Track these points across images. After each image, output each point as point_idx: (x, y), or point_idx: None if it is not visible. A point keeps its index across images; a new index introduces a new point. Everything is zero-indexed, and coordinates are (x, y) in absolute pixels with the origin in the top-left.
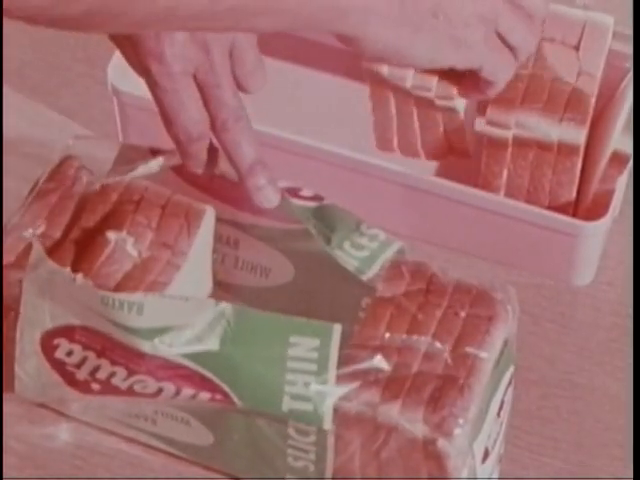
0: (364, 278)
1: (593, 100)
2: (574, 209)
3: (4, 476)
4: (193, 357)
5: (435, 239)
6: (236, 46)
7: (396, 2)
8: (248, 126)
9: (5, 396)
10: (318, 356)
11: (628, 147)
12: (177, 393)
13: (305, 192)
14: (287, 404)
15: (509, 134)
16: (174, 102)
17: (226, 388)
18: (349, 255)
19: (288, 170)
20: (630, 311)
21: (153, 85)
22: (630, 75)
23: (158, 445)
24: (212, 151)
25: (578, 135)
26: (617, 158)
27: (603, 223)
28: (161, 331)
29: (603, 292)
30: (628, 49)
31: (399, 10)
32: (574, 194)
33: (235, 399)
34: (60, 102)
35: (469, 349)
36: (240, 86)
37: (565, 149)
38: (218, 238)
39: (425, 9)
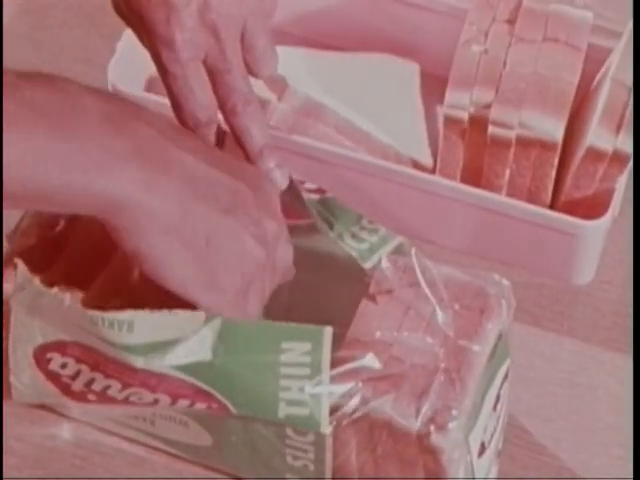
0: (369, 264)
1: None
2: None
3: (4, 476)
4: (186, 369)
5: (435, 239)
6: (247, 31)
7: (176, 211)
8: (257, 110)
9: (5, 396)
10: (311, 360)
11: (628, 147)
12: (173, 403)
13: (308, 185)
14: (283, 410)
15: (512, 134)
16: (183, 88)
17: (221, 398)
18: (349, 247)
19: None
20: (630, 310)
21: (163, 70)
22: (604, 68)
23: (157, 445)
24: (219, 135)
25: (609, 140)
26: (617, 157)
27: (603, 222)
28: (153, 346)
29: (603, 291)
30: (605, 42)
31: (178, 219)
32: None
33: (231, 408)
34: None
35: (462, 342)
36: (251, 71)
37: (593, 154)
38: None
39: (200, 230)
